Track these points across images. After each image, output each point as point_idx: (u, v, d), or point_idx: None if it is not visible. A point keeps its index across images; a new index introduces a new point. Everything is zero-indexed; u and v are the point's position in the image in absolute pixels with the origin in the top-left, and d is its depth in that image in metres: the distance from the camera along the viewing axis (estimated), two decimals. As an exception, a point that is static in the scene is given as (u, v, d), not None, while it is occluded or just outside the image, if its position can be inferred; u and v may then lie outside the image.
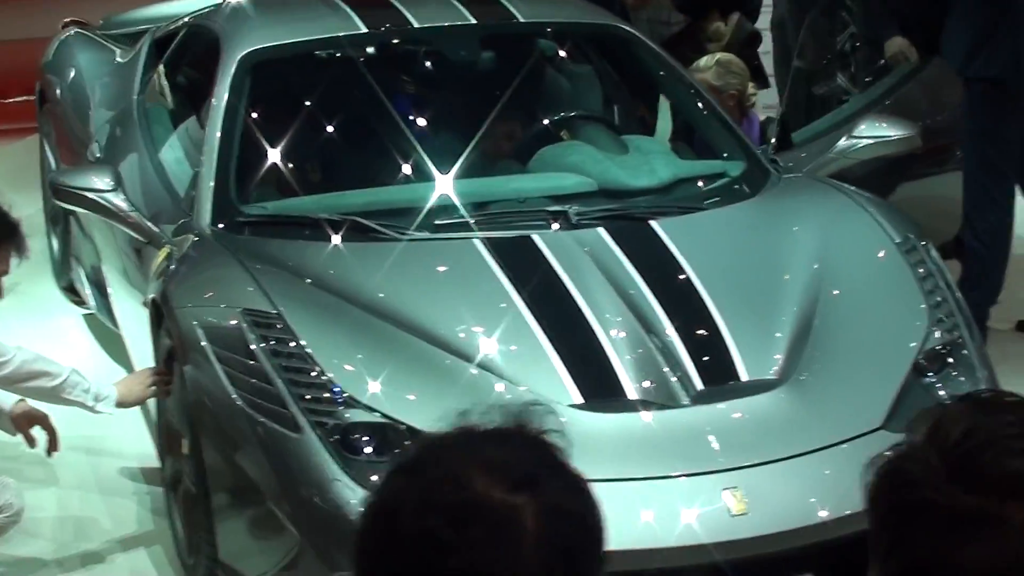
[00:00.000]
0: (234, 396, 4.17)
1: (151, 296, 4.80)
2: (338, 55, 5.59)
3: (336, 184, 5.19)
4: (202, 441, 4.28)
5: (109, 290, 6.12)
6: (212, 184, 5.04)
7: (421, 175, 5.19)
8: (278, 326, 4.27)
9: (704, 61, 6.24)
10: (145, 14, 7.81)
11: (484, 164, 5.42)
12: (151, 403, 5.06)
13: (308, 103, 5.41)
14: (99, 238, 6.18)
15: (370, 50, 5.73)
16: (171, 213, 5.20)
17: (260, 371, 4.18)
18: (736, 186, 5.20)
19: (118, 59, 6.75)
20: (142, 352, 5.27)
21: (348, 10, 5.62)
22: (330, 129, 5.33)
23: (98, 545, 5.00)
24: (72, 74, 6.83)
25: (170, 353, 4.73)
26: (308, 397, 4.11)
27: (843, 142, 5.45)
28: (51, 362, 4.64)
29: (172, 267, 4.75)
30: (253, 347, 4.23)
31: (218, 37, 5.62)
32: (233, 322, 4.32)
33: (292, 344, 4.22)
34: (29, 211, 7.40)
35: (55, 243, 7.28)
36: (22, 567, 4.86)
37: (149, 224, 5.13)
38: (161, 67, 6.18)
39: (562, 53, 5.99)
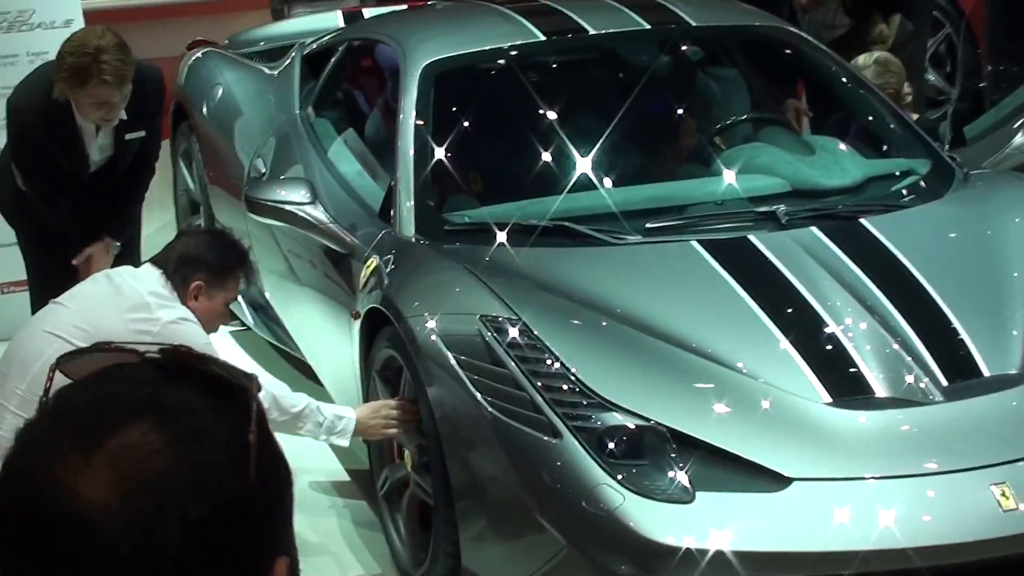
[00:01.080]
0: (482, 403, 4.15)
1: (366, 307, 4.79)
2: (519, 63, 5.57)
3: (529, 191, 5.15)
4: (445, 449, 4.26)
5: (275, 305, 6.12)
6: (412, 194, 5.04)
7: (614, 180, 5.20)
8: (521, 331, 4.25)
9: (863, 59, 6.24)
10: (269, 32, 7.83)
11: (670, 167, 5.43)
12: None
13: (493, 111, 5.41)
14: (259, 253, 6.17)
15: (550, 57, 5.72)
16: (366, 224, 5.18)
17: (508, 377, 4.16)
18: (927, 183, 5.19)
19: (268, 75, 6.72)
20: (338, 365, 5.26)
21: (522, 19, 5.64)
22: (517, 136, 5.31)
23: (309, 559, 4.98)
24: (219, 92, 6.82)
25: (386, 364, 4.73)
26: (562, 402, 4.08)
27: (1019, 138, 5.45)
28: (288, 392, 4.62)
29: (386, 278, 4.74)
30: (498, 353, 4.21)
31: (393, 50, 5.62)
32: (473, 328, 4.29)
33: (538, 349, 4.20)
34: (155, 227, 7.43)
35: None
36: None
37: (349, 236, 5.13)
38: (323, 81, 6.19)
39: (732, 56, 5.99)
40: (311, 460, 5.64)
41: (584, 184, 5.17)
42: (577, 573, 3.97)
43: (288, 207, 5.12)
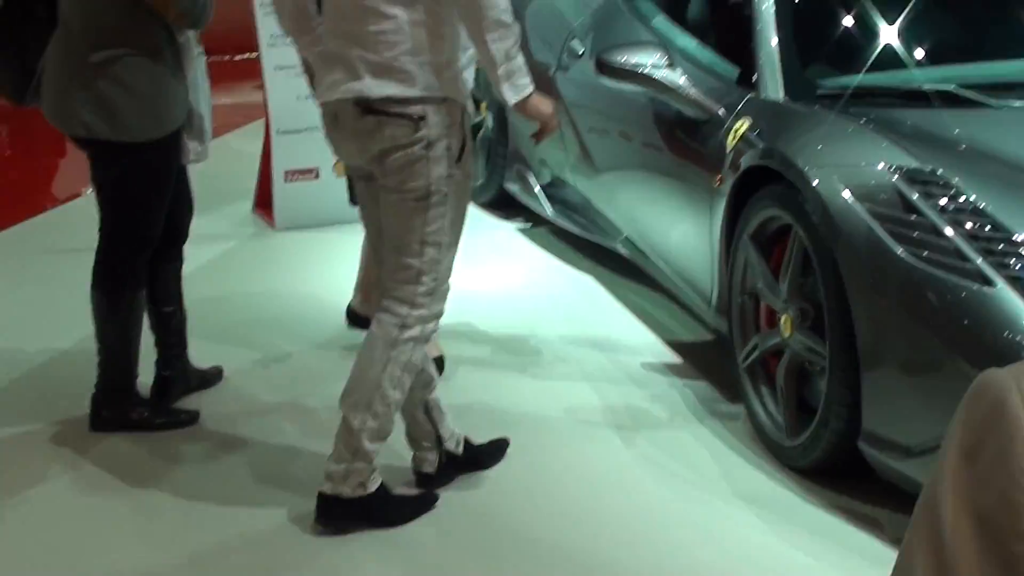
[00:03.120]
0: (901, 253, 3.94)
1: (741, 168, 4.61)
2: None
3: (888, 62, 4.94)
4: (853, 304, 4.04)
5: (586, 191, 5.97)
6: (777, 59, 4.86)
7: (972, 54, 5.00)
8: (938, 183, 4.03)
9: None
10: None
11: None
12: (713, 284, 4.88)
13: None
14: (566, 142, 6.04)
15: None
16: (724, 91, 5.00)
17: (929, 226, 3.94)
18: None
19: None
20: (689, 237, 5.09)
21: None
22: (876, 8, 5.09)
23: (664, 433, 4.80)
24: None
25: (762, 226, 4.54)
26: (992, 250, 3.85)
27: None
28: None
29: (763, 138, 4.56)
30: (917, 203, 3.99)
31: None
32: (884, 179, 4.08)
33: (960, 198, 3.97)
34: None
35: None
36: (603, 452, 4.69)
37: (708, 100, 4.94)
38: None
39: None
40: (631, 340, 5.50)
41: (943, 56, 4.98)
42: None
43: (645, 69, 4.95)
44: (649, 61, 4.97)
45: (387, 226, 4.06)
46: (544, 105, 4.05)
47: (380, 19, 3.92)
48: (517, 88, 3.98)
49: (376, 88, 3.92)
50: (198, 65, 4.82)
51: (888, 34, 4.99)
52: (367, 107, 3.94)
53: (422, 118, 3.92)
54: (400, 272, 4.04)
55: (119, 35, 4.54)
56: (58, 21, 4.66)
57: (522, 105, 4.01)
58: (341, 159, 4.24)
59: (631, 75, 4.98)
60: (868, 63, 4.93)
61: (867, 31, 5.06)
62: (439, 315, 4.11)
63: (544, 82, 6.24)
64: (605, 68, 5.04)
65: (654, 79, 4.96)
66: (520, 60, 3.96)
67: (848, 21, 5.12)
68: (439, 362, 5.17)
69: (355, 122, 3.98)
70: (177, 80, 4.65)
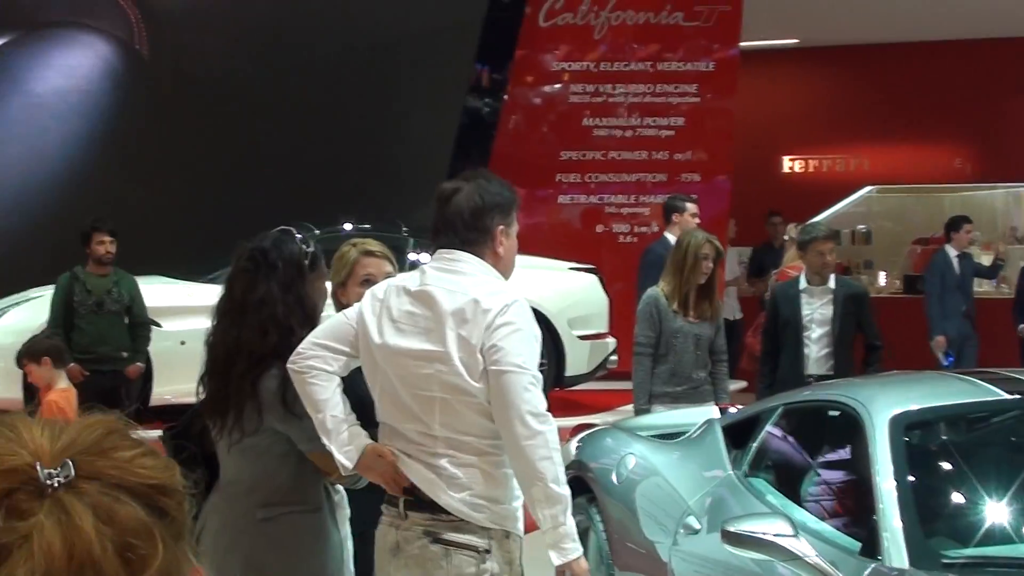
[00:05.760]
0: None
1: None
2: (983, 416, 5.71)
3: (1006, 532, 5.13)
4: None
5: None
6: (900, 529, 5.04)
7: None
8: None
9: None
10: (644, 423, 8.02)
11: None
12: None
13: (964, 458, 5.48)
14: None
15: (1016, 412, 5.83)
16: (848, 560, 5.14)
17: None
18: None
19: (681, 444, 6.91)
20: None
21: (980, 382, 5.77)
22: (989, 482, 5.32)
23: None
24: (632, 461, 6.99)
25: None
26: None
27: None
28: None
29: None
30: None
31: (851, 408, 5.72)
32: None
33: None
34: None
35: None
36: None
37: (834, 569, 5.09)
38: (758, 444, 6.32)
39: None
40: None
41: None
42: None
43: (771, 537, 5.11)
44: (774, 530, 5.15)
45: None
46: (582, 565, 4.37)
47: (455, 465, 4.32)
48: (563, 552, 4.34)
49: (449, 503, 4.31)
50: (348, 524, 4.98)
51: (1007, 507, 5.19)
52: (436, 537, 4.26)
53: (487, 551, 4.25)
54: None
55: (288, 493, 4.72)
56: (218, 479, 4.85)
57: (566, 566, 4.35)
58: None
59: (757, 543, 5.14)
60: (990, 534, 5.11)
61: (987, 505, 5.25)
62: None
63: (654, 559, 6.40)
64: (731, 537, 5.21)
65: (781, 547, 5.11)
66: (568, 526, 4.32)
67: (968, 497, 5.32)
68: None
69: (421, 550, 4.27)
70: (333, 538, 4.79)
